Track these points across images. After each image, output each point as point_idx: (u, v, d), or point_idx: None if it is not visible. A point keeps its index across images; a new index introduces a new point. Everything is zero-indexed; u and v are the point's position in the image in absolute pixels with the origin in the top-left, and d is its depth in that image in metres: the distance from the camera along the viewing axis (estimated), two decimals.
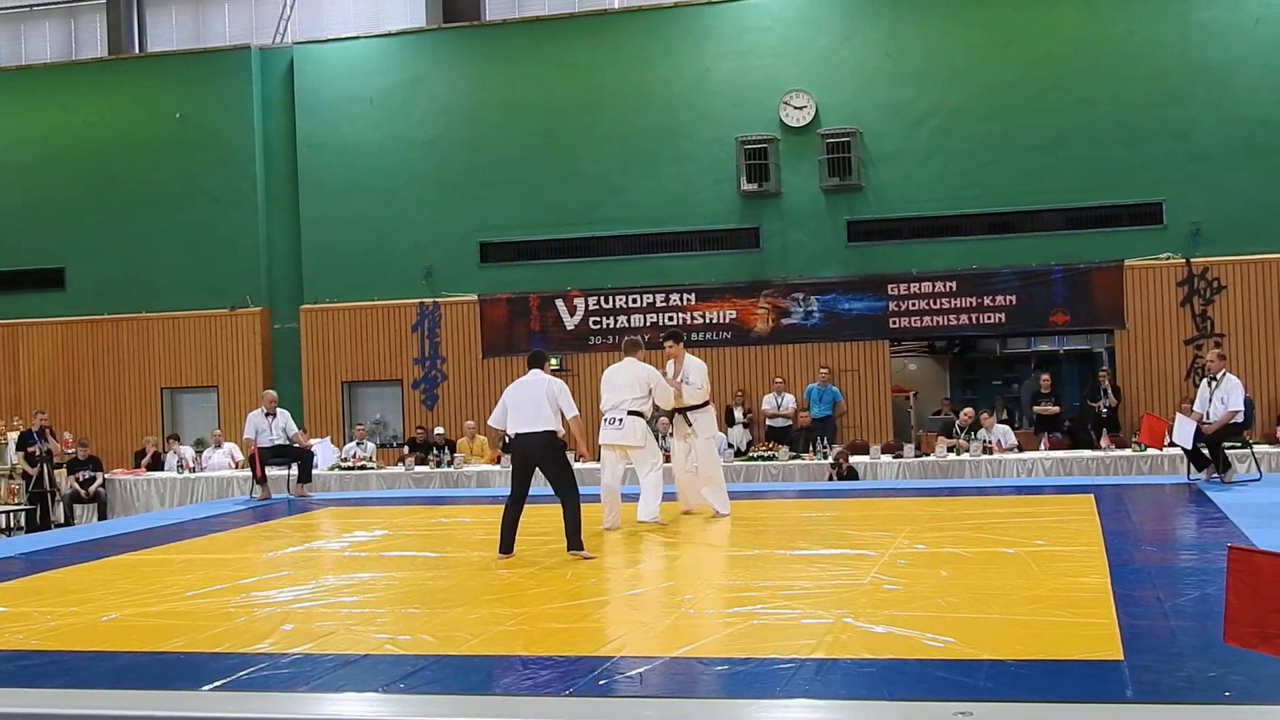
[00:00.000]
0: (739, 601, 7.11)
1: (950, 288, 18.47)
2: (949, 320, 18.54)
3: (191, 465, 17.77)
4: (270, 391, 15.77)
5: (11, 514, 16.70)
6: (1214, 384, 12.64)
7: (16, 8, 23.95)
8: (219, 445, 18.49)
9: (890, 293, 18.65)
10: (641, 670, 5.50)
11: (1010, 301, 18.30)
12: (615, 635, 6.21)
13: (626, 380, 10.36)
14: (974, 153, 18.47)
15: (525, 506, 9.19)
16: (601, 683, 5.31)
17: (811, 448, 16.37)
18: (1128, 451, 15.06)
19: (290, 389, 19.90)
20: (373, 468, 17.13)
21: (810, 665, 5.44)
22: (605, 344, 19.23)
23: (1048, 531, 9.37)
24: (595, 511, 9.98)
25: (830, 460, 15.32)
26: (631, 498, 10.72)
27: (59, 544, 11.12)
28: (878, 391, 18.83)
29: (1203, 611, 6.15)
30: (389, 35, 20.86)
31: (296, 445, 14.95)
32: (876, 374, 18.84)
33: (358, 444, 18.07)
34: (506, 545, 9.06)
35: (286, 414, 15.08)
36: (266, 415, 14.77)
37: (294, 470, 14.96)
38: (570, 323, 19.65)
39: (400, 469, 16.97)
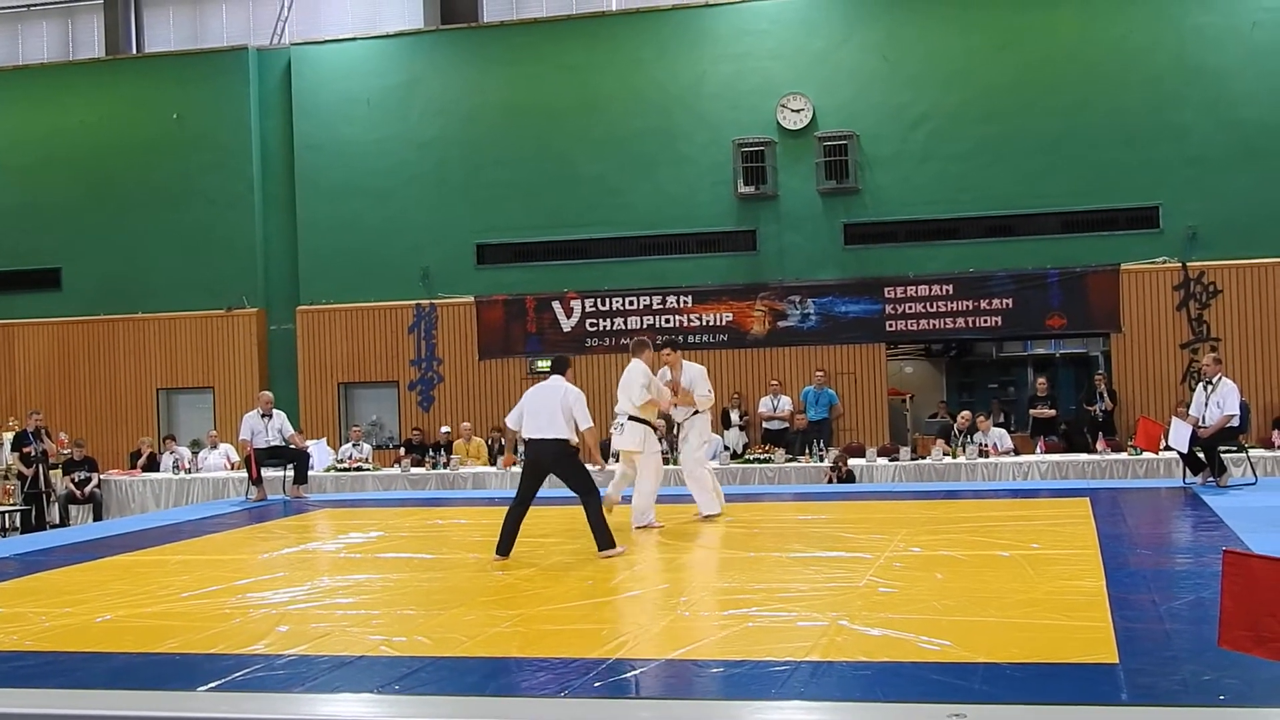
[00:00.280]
0: (735, 604, 7.11)
1: (947, 291, 18.49)
2: (945, 323, 18.55)
3: (187, 466, 17.75)
4: (266, 393, 15.78)
5: (7, 515, 16.66)
6: (1210, 388, 12.67)
7: (14, 8, 23.93)
8: (215, 446, 18.47)
9: (887, 295, 18.67)
10: (637, 672, 5.50)
11: (1007, 305, 18.32)
12: (611, 637, 6.21)
13: (626, 383, 10.38)
14: (971, 156, 18.49)
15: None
16: (597, 684, 5.31)
17: (808, 450, 16.37)
18: (1123, 455, 15.07)
19: (286, 390, 19.89)
20: (369, 469, 17.12)
21: (806, 667, 5.44)
22: (602, 346, 19.25)
23: (1043, 535, 9.39)
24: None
25: (829, 463, 15.32)
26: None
27: (54, 545, 11.10)
28: (874, 394, 18.85)
29: (1198, 615, 6.16)
30: (386, 36, 20.86)
31: (292, 446, 14.94)
32: (873, 377, 18.85)
33: (354, 445, 18.06)
34: (504, 547, 9.06)
35: (282, 415, 15.08)
36: (262, 416, 14.78)
37: (290, 471, 14.95)
38: (567, 325, 19.64)
39: (396, 470, 16.96)
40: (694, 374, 10.89)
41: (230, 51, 21.35)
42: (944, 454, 15.47)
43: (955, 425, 16.43)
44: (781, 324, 19.01)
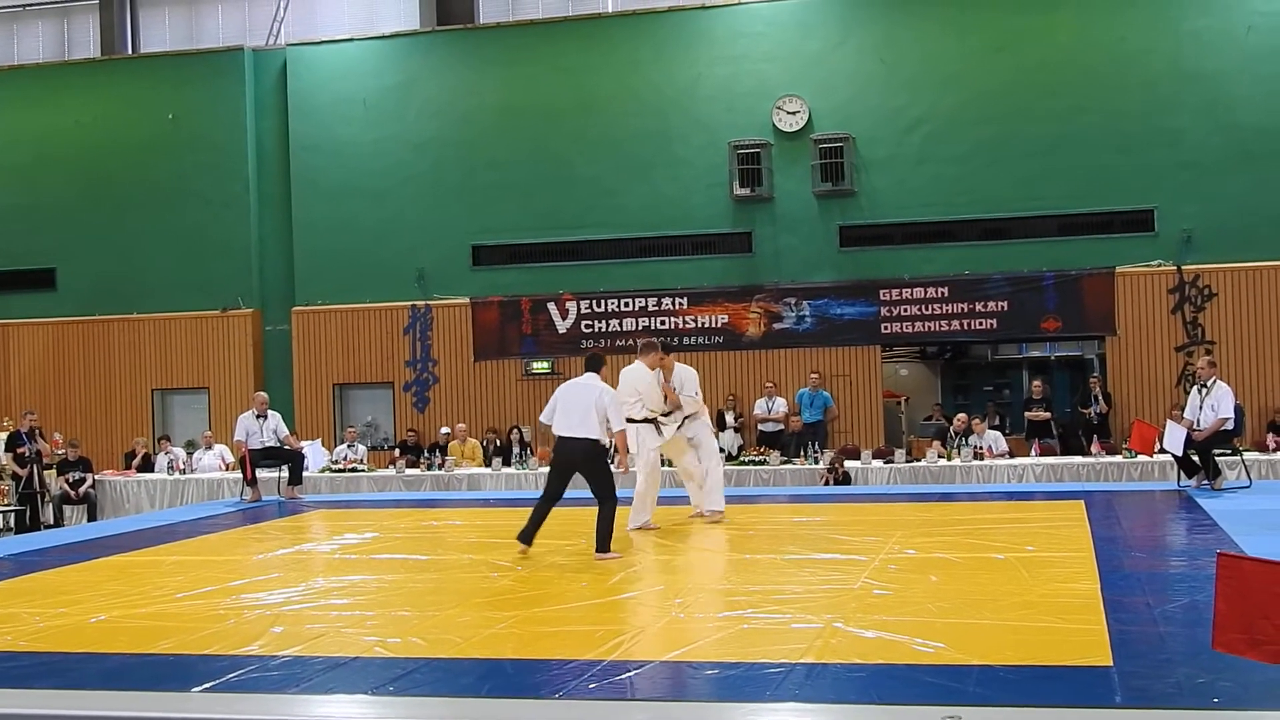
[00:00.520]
0: (729, 605, 7.11)
1: (942, 293, 18.50)
2: (941, 326, 18.57)
3: (182, 467, 17.73)
4: (261, 394, 15.77)
5: (1, 515, 16.64)
6: (1204, 391, 12.69)
7: (10, 7, 23.91)
8: (209, 447, 18.46)
9: (882, 298, 18.68)
10: (632, 674, 5.50)
11: (1002, 307, 18.34)
12: (606, 639, 6.20)
13: (626, 385, 10.39)
14: (966, 159, 18.51)
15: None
16: (591, 686, 5.31)
17: (803, 452, 16.38)
18: (1118, 458, 15.08)
19: (281, 391, 19.87)
20: (364, 470, 17.11)
21: (800, 670, 5.44)
22: (597, 348, 19.21)
23: (1038, 537, 9.39)
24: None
25: (827, 466, 15.33)
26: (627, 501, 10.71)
27: (48, 545, 11.08)
28: (869, 397, 18.86)
29: (1192, 618, 6.16)
30: (383, 37, 20.85)
31: (287, 447, 14.93)
32: (868, 379, 18.86)
33: (349, 446, 18.04)
34: (527, 535, 9.16)
35: (277, 416, 15.07)
36: (257, 417, 14.76)
37: (285, 472, 14.94)
38: (562, 326, 19.65)
39: (391, 471, 16.95)
40: (684, 376, 10.91)
41: (226, 52, 21.34)
42: (939, 456, 15.48)
43: (951, 428, 16.43)
44: (777, 326, 19.02)
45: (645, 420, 10.41)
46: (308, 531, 12.00)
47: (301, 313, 20.59)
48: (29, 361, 21.54)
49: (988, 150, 18.45)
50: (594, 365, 9.54)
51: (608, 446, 9.31)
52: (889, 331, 18.74)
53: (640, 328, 19.08)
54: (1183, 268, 17.89)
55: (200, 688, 5.49)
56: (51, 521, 16.91)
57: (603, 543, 9.01)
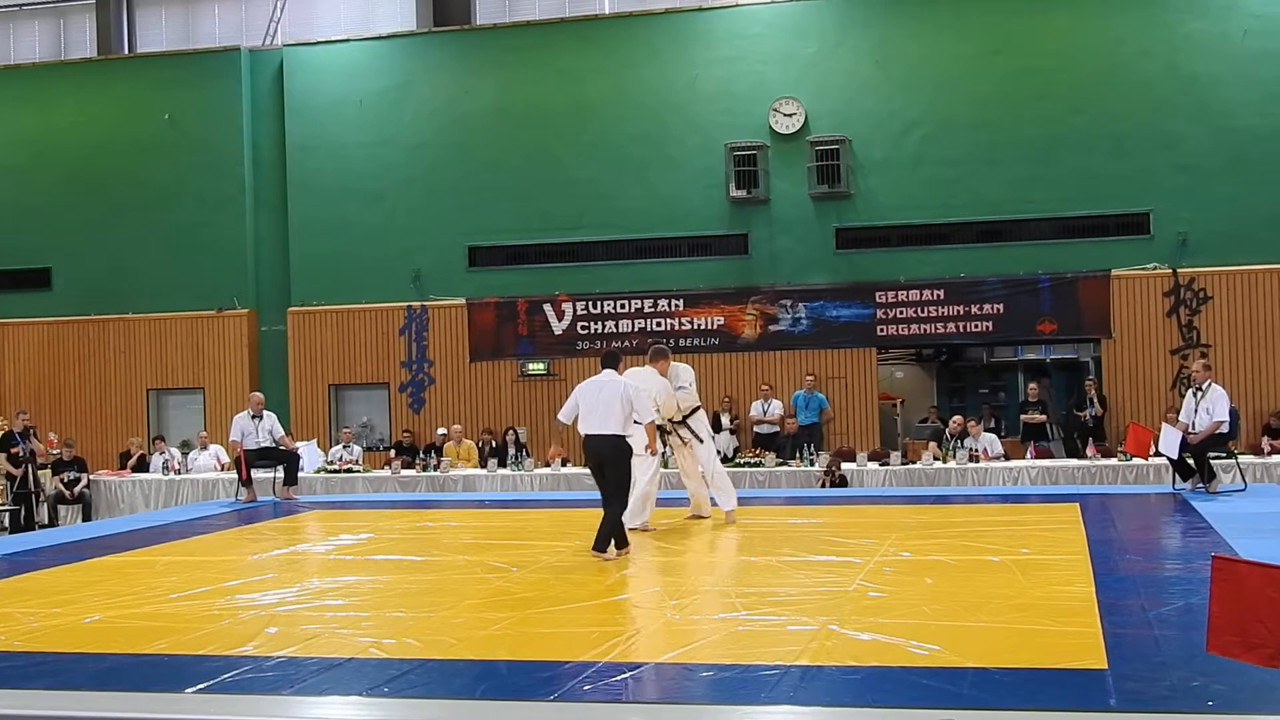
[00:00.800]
0: (725, 607, 7.11)
1: (938, 296, 18.51)
2: (936, 328, 18.58)
3: (177, 467, 17.71)
4: (257, 394, 15.76)
5: None
6: (1199, 394, 12.70)
7: (5, 7, 23.88)
8: (205, 447, 18.45)
9: (878, 300, 18.69)
10: (627, 676, 5.50)
11: (998, 310, 18.36)
12: (601, 640, 6.20)
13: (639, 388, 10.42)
14: (962, 161, 18.53)
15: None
16: (586, 688, 5.31)
17: (798, 454, 16.39)
18: (1113, 461, 15.10)
19: (277, 391, 19.85)
20: (359, 471, 17.09)
21: (795, 672, 5.45)
22: (593, 349, 19.21)
23: (1033, 540, 9.39)
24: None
25: (823, 468, 15.33)
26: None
27: (43, 545, 11.07)
28: (864, 399, 18.86)
29: (1187, 621, 6.17)
30: (379, 38, 20.84)
31: (283, 448, 14.92)
32: (863, 381, 18.87)
33: (344, 447, 18.03)
34: (619, 541, 9.20)
35: (273, 416, 15.06)
36: (253, 417, 14.76)
37: (280, 473, 14.93)
38: (558, 328, 19.64)
39: (386, 472, 16.94)
40: (680, 370, 10.97)
41: (222, 52, 21.31)
42: (934, 459, 15.49)
43: (946, 430, 16.44)
44: (772, 328, 19.02)
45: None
46: (303, 532, 11.99)
47: (297, 313, 20.57)
48: (24, 361, 21.50)
49: (984, 153, 18.47)
50: (610, 362, 9.62)
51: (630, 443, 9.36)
52: (884, 334, 18.75)
53: (636, 329, 19.09)
54: (1178, 271, 17.92)
55: (195, 688, 5.48)
56: (46, 521, 16.88)
57: (602, 542, 9.02)
